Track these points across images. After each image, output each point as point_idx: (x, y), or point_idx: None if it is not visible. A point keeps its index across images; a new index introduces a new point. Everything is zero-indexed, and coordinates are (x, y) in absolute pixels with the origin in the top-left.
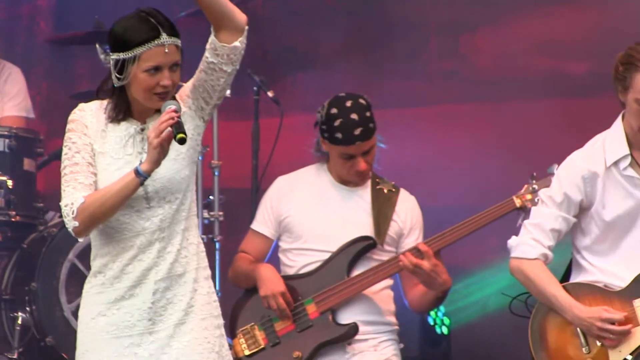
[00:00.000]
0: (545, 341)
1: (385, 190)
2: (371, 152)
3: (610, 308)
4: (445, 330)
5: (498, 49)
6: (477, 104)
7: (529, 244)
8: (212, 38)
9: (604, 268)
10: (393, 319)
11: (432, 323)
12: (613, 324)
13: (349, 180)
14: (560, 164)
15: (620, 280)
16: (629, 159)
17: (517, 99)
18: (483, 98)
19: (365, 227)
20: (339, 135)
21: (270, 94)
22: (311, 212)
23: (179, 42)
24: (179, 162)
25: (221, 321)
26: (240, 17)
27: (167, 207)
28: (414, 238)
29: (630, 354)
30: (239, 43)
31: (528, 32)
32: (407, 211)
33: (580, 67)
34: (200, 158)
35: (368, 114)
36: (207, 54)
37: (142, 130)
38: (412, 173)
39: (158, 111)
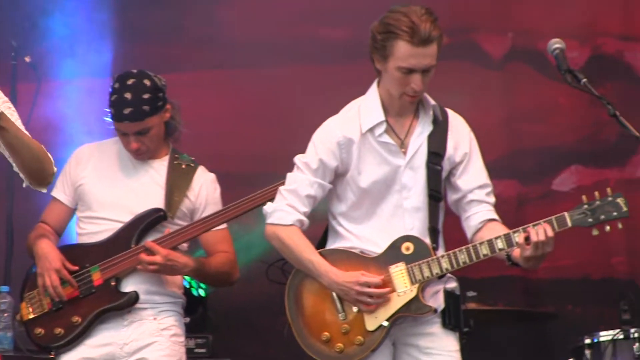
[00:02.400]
0: (302, 307)
1: (183, 166)
2: (149, 134)
3: (367, 272)
4: (202, 292)
5: (257, 15)
6: (236, 70)
7: (285, 210)
8: None
9: (360, 234)
10: (178, 291)
11: (187, 286)
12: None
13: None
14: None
15: (377, 247)
16: (384, 125)
17: (276, 65)
18: (242, 64)
19: (157, 200)
20: (112, 110)
21: (27, 59)
22: (104, 182)
23: None
24: None
25: None
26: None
27: None
28: (208, 214)
29: (387, 320)
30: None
31: None
32: (202, 188)
33: (340, 34)
34: None
35: (146, 96)
36: None
37: None
38: None
39: None
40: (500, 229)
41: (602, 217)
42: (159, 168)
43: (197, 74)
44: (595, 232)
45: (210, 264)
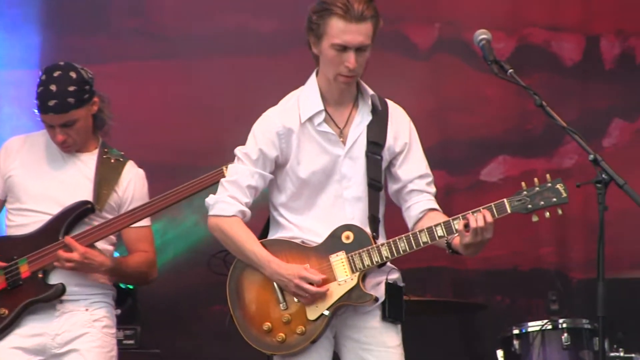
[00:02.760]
0: (243, 298)
1: (113, 160)
2: (74, 126)
3: (308, 267)
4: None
5: (185, 6)
6: (163, 61)
7: (226, 202)
8: None
9: (301, 225)
10: (108, 282)
11: None
12: (311, 283)
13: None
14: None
15: (318, 237)
16: (323, 115)
17: (204, 56)
18: (169, 56)
19: (85, 193)
20: (38, 102)
21: None
22: (33, 174)
23: None
24: None
25: None
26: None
27: None
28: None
29: (328, 309)
30: None
31: None
32: (130, 182)
33: (268, 25)
34: None
35: (72, 88)
36: None
37: None
38: None
39: None
40: (440, 218)
41: (542, 203)
42: (88, 161)
43: (124, 64)
44: (535, 219)
45: (128, 263)
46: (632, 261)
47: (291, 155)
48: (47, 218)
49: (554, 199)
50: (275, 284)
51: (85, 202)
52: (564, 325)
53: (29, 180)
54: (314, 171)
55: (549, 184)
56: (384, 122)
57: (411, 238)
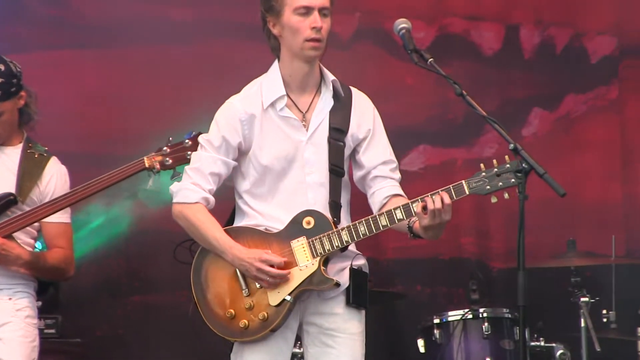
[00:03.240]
0: (207, 286)
1: (37, 155)
2: (0, 119)
3: (269, 251)
4: None
5: None
6: (83, 51)
7: (190, 189)
8: None
9: (264, 212)
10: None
11: None
12: (273, 266)
13: None
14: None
15: (280, 223)
16: (285, 99)
17: (124, 45)
18: (89, 44)
19: (8, 185)
20: None
21: None
22: None
23: None
24: None
25: None
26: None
27: None
28: None
29: (290, 294)
30: None
31: None
32: (52, 178)
33: (185, 14)
34: None
35: None
36: None
37: None
38: None
39: None
40: (403, 203)
41: (500, 184)
42: (12, 155)
43: (43, 54)
44: (493, 200)
45: (45, 258)
46: (551, 250)
47: (253, 142)
48: None
49: (513, 180)
50: (237, 270)
51: (8, 194)
52: (485, 314)
53: None
54: (276, 157)
55: (508, 165)
56: (347, 108)
57: (371, 222)
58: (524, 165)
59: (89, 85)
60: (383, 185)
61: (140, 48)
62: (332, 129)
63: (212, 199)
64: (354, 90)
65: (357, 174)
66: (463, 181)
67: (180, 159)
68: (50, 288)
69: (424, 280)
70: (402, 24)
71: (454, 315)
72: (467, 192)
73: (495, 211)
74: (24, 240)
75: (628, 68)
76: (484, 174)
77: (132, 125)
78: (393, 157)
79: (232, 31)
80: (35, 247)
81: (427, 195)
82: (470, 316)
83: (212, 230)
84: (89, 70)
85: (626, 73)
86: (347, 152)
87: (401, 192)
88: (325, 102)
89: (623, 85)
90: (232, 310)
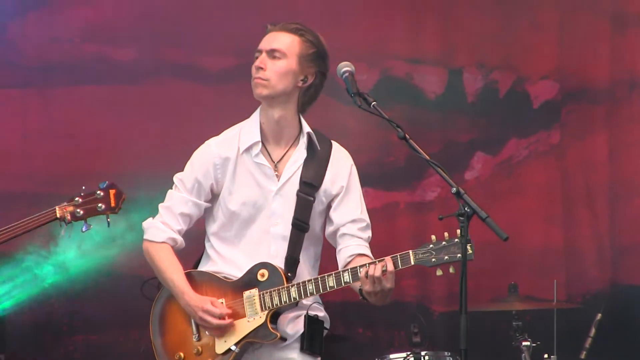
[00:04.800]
0: (163, 325)
1: None
2: None
3: (224, 301)
4: None
5: (46, 35)
6: (23, 90)
7: (158, 228)
8: None
9: (227, 257)
10: None
11: None
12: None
13: None
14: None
15: (240, 272)
16: (259, 146)
17: (65, 84)
18: (29, 84)
19: None
20: None
21: None
22: None
23: None
24: None
25: None
26: None
27: None
28: None
29: (235, 345)
30: None
31: (74, 18)
32: None
33: (126, 54)
34: None
35: None
36: None
37: None
38: None
39: None
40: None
41: (446, 257)
42: None
43: None
44: (439, 273)
45: None
46: (493, 294)
47: (224, 186)
48: None
49: (459, 255)
50: None
51: None
52: (426, 357)
53: None
54: (245, 203)
55: (457, 240)
56: (323, 163)
57: (319, 281)
58: (466, 209)
59: (31, 124)
60: (349, 243)
61: (82, 88)
62: (303, 182)
63: (180, 239)
64: (334, 145)
65: (328, 229)
66: (410, 251)
67: (91, 210)
68: None
69: (366, 322)
70: (345, 67)
71: (396, 357)
72: (413, 263)
73: None
74: None
75: (570, 113)
76: (432, 245)
77: (74, 165)
78: (364, 216)
79: (170, 70)
80: None
81: (374, 262)
82: (411, 359)
83: (170, 271)
84: (29, 109)
85: (568, 118)
86: (318, 207)
87: (367, 252)
88: (299, 154)
89: (565, 130)
90: (181, 354)
